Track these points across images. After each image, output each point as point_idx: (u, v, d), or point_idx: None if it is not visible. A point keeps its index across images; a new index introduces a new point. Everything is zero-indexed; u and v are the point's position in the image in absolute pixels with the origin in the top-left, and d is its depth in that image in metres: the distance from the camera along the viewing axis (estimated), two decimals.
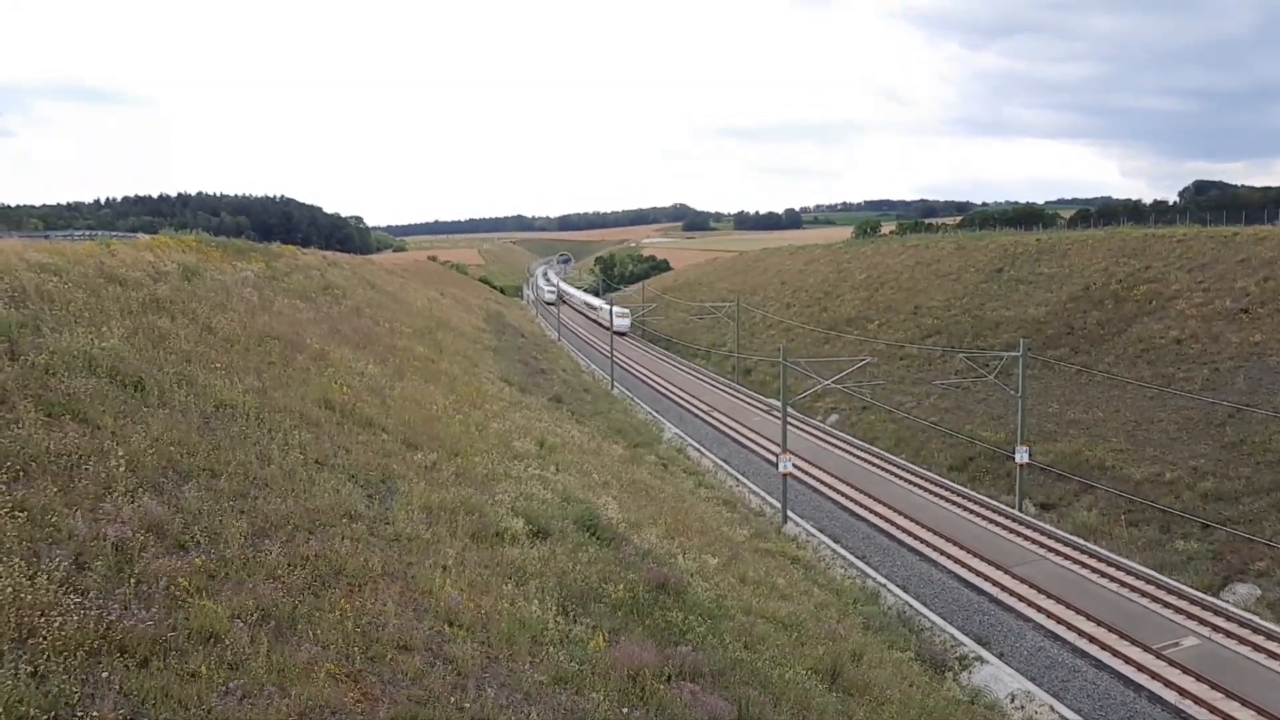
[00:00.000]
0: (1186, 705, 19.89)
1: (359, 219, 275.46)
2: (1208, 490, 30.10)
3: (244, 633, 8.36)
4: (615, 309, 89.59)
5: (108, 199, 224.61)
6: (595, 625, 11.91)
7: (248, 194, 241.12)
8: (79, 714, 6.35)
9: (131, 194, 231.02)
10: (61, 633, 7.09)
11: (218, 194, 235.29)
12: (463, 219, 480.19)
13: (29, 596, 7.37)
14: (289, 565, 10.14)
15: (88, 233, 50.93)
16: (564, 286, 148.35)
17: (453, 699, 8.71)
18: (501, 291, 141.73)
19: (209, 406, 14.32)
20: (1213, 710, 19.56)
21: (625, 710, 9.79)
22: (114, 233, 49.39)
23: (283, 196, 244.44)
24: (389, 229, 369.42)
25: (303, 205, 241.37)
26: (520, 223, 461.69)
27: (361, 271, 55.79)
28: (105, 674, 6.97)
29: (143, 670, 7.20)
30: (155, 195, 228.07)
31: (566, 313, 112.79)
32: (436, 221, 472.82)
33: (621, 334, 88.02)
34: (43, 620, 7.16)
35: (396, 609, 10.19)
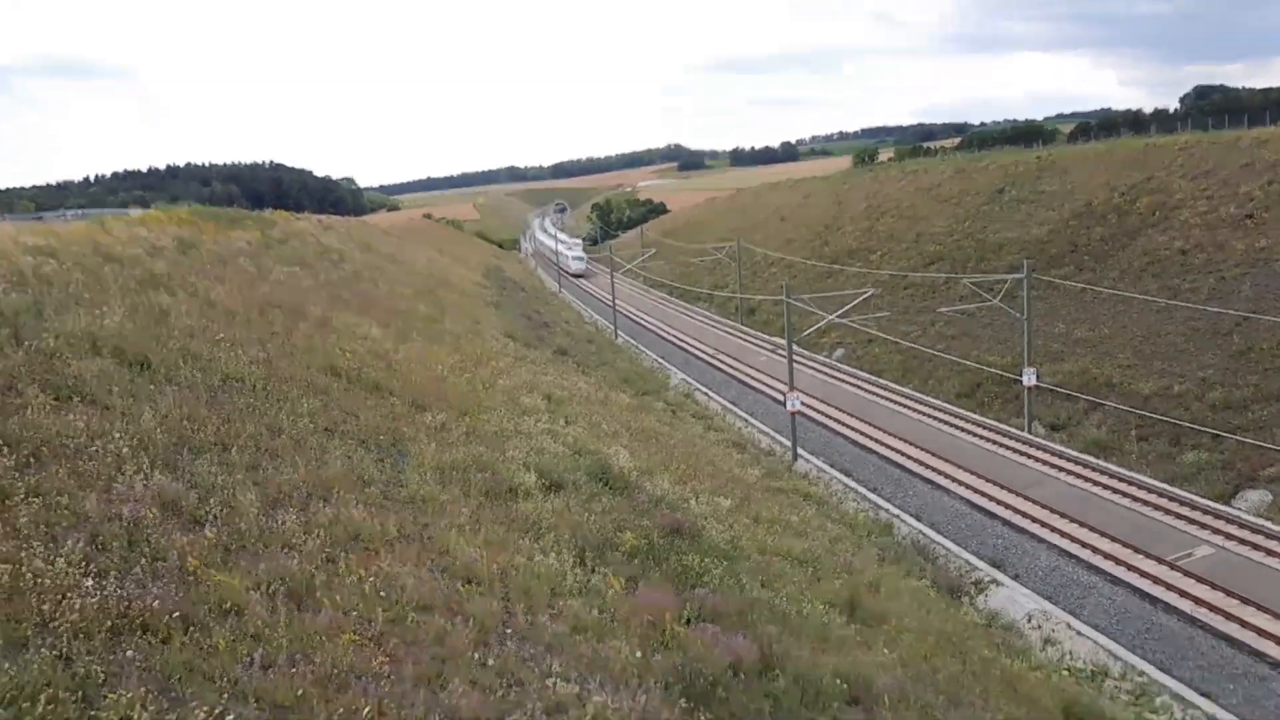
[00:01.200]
0: (1202, 613, 20.17)
1: (350, 180, 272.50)
2: (1216, 400, 30.13)
3: (263, 603, 8.44)
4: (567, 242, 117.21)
5: (97, 176, 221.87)
6: (613, 573, 12.02)
7: (237, 161, 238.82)
8: (106, 693, 6.43)
9: (120, 169, 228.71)
10: (83, 614, 7.16)
11: (207, 164, 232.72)
12: (455, 174, 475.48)
13: (49, 580, 7.44)
14: (305, 534, 10.19)
15: (80, 212, 50.64)
16: (558, 242, 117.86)
17: (475, 655, 8.82)
18: (500, 245, 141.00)
19: (215, 380, 14.31)
20: (1228, 616, 19.83)
21: (647, 655, 9.89)
22: (107, 210, 49.04)
23: (272, 162, 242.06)
24: (381, 189, 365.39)
25: (292, 170, 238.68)
26: (513, 173, 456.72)
27: (357, 234, 55.49)
28: (129, 652, 7.02)
29: (166, 647, 7.27)
30: (145, 169, 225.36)
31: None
32: (429, 178, 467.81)
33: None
34: (64, 603, 7.22)
35: (414, 571, 10.27)
